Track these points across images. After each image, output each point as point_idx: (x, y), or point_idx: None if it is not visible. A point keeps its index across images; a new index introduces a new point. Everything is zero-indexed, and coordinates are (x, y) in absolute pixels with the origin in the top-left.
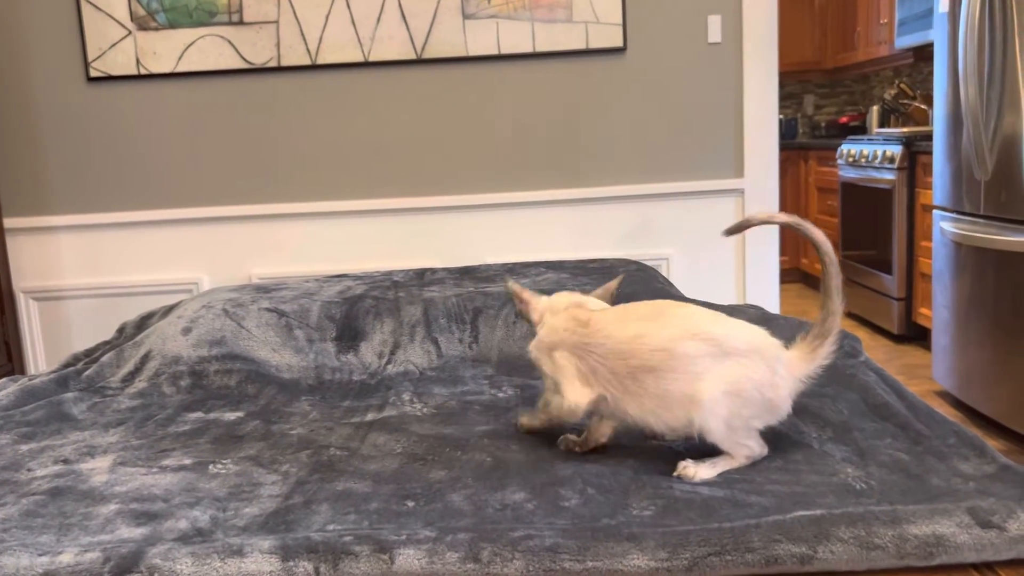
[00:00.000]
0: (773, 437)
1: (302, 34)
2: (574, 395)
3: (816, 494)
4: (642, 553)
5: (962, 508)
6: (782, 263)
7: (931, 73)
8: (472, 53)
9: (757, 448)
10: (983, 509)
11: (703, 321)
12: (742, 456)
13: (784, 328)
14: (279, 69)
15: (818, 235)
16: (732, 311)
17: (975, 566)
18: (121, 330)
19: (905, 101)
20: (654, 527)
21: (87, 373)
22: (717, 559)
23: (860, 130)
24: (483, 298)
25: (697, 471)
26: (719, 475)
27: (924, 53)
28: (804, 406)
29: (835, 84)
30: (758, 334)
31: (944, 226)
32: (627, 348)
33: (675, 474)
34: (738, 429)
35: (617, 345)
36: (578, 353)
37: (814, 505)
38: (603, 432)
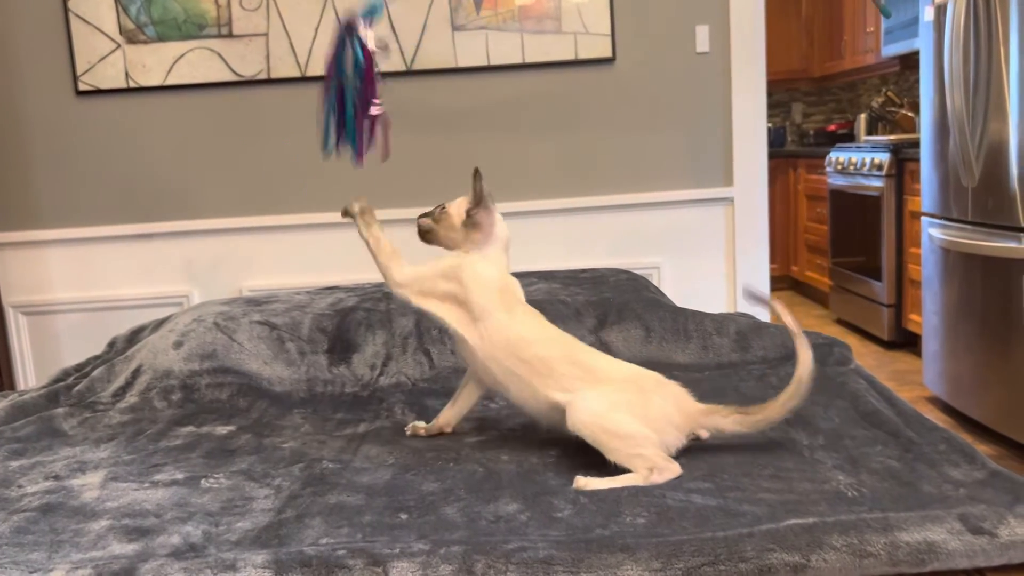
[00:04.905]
0: (765, 444)
1: (291, 46)
2: (404, 275)
3: (808, 502)
4: (636, 564)
5: (953, 515)
6: (772, 271)
7: (917, 81)
8: (462, 64)
9: (656, 456)
10: (974, 515)
11: (584, 353)
12: (641, 466)
13: (775, 335)
14: (269, 81)
15: (803, 353)
16: (722, 319)
17: (967, 572)
18: (112, 344)
19: (892, 109)
20: (647, 537)
21: (78, 388)
22: (711, 569)
23: (848, 138)
24: None
25: (588, 482)
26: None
27: (910, 61)
28: (795, 414)
29: (823, 92)
30: (634, 369)
31: (932, 232)
32: (516, 341)
33: (573, 487)
34: (619, 431)
35: (513, 334)
36: (462, 300)
37: (807, 513)
38: (448, 421)
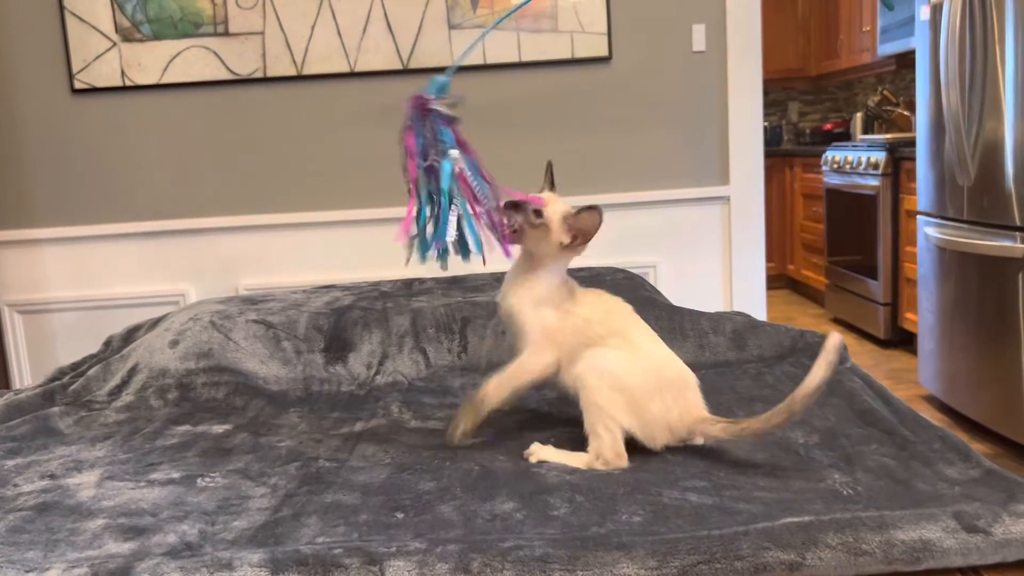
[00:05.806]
0: (761, 442)
1: (288, 45)
2: (546, 356)
3: (804, 500)
4: (632, 562)
5: (948, 513)
6: (769, 270)
7: (913, 80)
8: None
9: (608, 448)
10: (969, 513)
11: (635, 331)
12: (594, 445)
13: (771, 334)
14: (265, 80)
15: (815, 374)
16: (718, 318)
17: (961, 570)
18: (108, 343)
19: (888, 108)
20: (643, 535)
21: (73, 387)
22: (706, 567)
23: (844, 137)
24: (471, 308)
25: (540, 450)
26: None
27: (906, 60)
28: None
29: (819, 91)
30: (670, 360)
31: (928, 231)
32: (583, 325)
33: (524, 452)
34: (602, 407)
35: (580, 321)
36: (560, 313)
37: (802, 511)
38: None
